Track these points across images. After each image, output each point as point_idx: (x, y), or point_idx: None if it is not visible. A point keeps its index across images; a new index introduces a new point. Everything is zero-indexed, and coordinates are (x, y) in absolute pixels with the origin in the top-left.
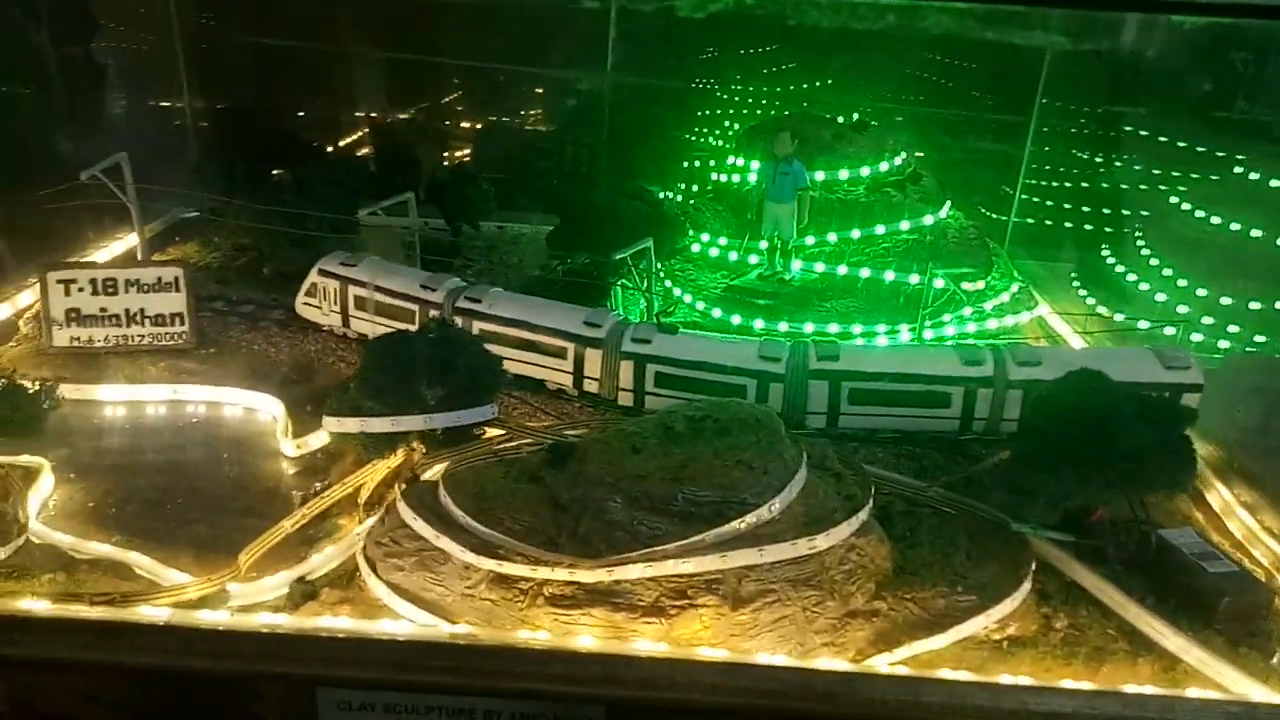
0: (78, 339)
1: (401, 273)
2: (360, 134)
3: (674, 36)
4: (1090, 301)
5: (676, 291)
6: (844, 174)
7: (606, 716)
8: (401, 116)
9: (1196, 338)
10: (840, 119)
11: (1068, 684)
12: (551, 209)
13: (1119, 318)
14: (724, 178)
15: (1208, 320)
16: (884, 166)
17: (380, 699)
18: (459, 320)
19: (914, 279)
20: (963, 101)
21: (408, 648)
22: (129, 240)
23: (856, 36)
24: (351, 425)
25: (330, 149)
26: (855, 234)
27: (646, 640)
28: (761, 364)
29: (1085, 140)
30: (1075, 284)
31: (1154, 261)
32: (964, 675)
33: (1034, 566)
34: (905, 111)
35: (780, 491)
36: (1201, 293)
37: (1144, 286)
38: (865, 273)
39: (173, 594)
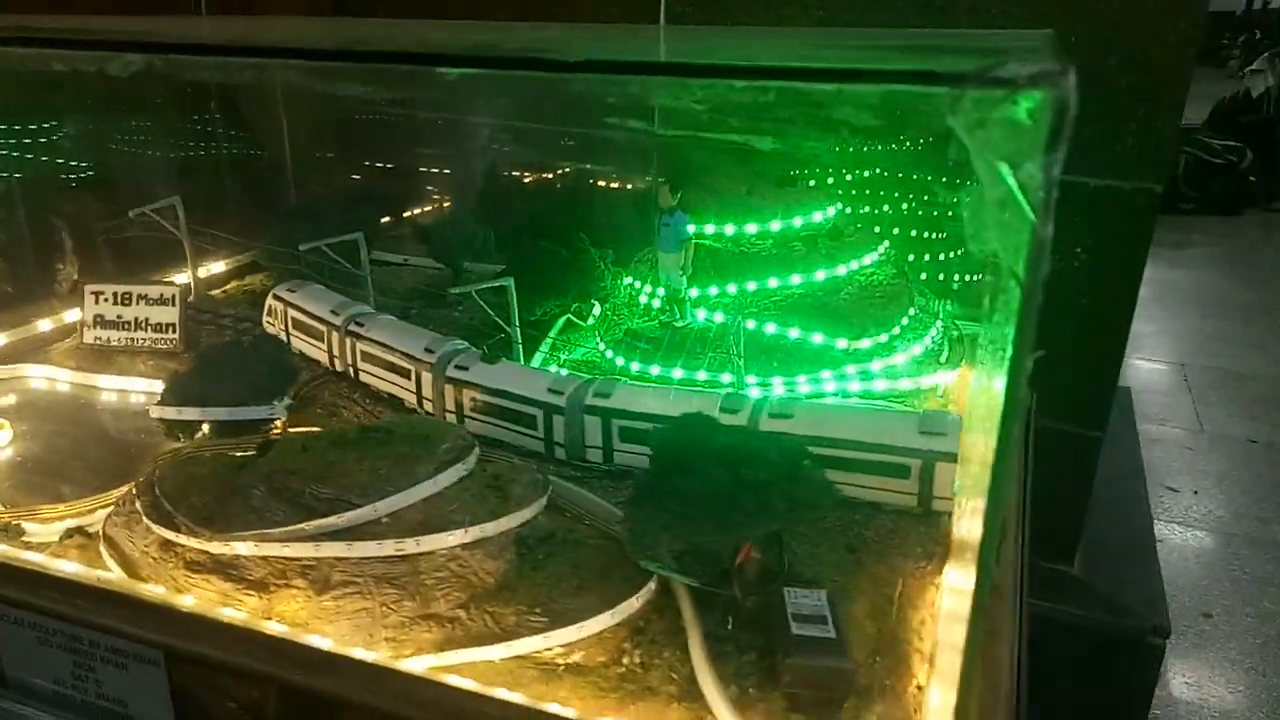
0: (100, 338)
1: (326, 300)
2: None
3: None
4: None
5: (598, 336)
6: (752, 228)
7: (165, 659)
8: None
9: None
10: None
11: (515, 698)
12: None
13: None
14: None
15: None
16: (797, 222)
17: (24, 616)
18: (348, 341)
19: (794, 333)
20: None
21: (37, 578)
22: (213, 267)
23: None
24: (155, 412)
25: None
26: (751, 286)
27: (247, 609)
28: (548, 396)
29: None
30: None
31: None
32: (442, 678)
33: (639, 603)
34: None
35: (390, 497)
36: None
37: None
38: (750, 324)
39: None
